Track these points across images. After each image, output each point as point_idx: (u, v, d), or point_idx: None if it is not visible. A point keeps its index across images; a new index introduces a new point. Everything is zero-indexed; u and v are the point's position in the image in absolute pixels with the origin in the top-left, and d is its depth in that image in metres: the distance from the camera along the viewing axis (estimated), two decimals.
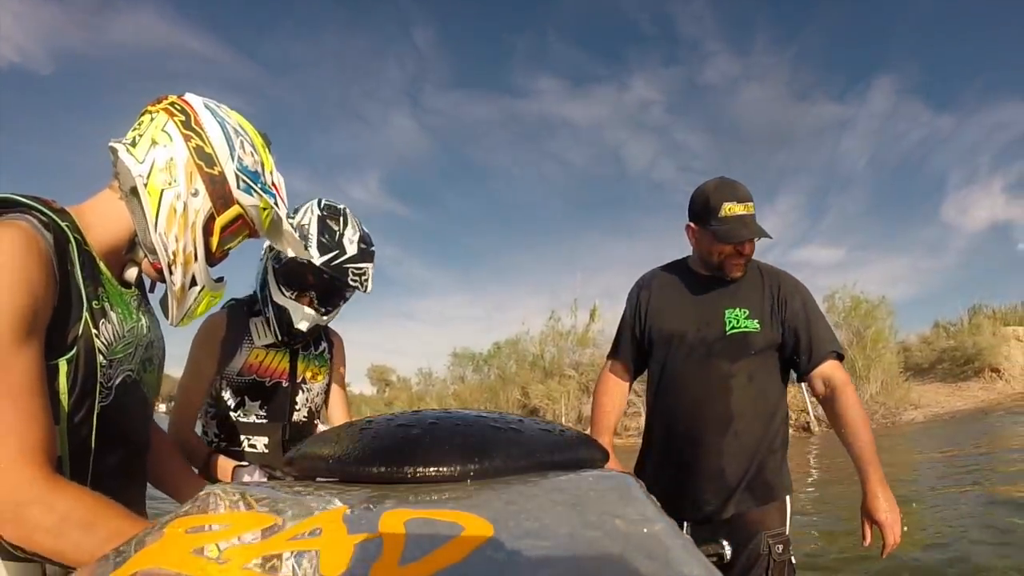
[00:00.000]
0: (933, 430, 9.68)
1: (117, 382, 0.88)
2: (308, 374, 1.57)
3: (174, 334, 1.07)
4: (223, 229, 0.93)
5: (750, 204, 1.56)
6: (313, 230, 1.39)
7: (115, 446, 0.88)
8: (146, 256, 0.92)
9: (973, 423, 9.65)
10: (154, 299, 1.02)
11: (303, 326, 1.43)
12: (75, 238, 0.82)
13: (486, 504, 0.41)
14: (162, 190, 0.87)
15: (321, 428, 1.60)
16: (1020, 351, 13.43)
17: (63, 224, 0.81)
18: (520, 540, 0.34)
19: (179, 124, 0.89)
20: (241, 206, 0.93)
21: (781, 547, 1.47)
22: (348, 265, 1.39)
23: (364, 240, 1.44)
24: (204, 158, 0.89)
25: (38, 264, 0.74)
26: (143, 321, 0.96)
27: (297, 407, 1.55)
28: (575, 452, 0.57)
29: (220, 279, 0.99)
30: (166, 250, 0.89)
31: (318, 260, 1.36)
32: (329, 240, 1.39)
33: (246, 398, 1.49)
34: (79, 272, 0.81)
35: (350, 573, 0.31)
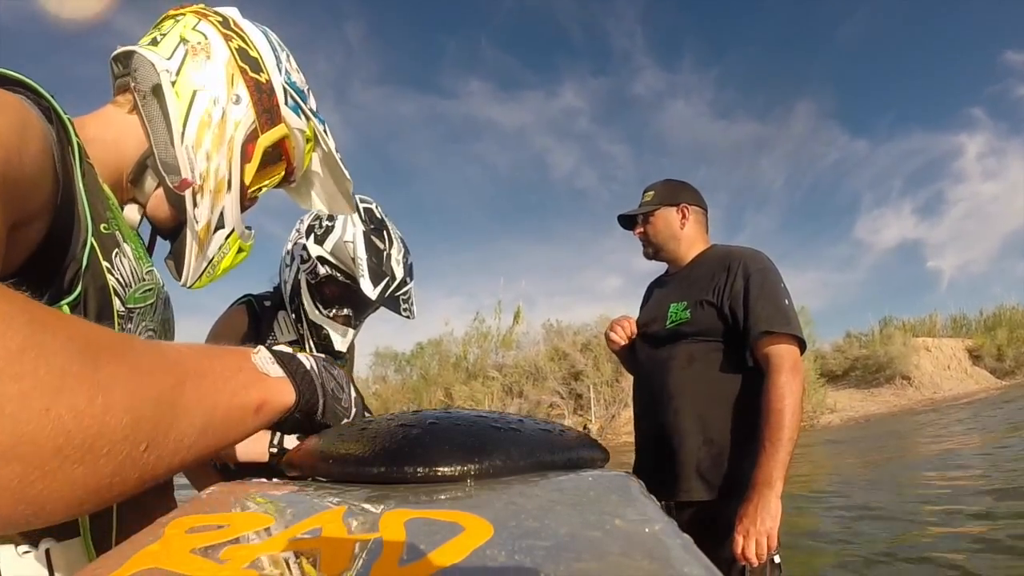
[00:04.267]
0: (851, 431, 10.55)
1: None
2: None
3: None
4: (264, 154, 0.75)
5: (646, 195, 1.72)
6: (361, 252, 1.29)
7: None
8: (159, 183, 0.70)
9: (891, 425, 10.52)
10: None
11: (343, 346, 1.37)
12: (78, 142, 0.60)
13: (486, 504, 0.41)
14: (195, 91, 0.68)
15: None
16: (929, 360, 14.36)
17: (65, 117, 0.58)
18: (520, 540, 0.34)
19: (216, 23, 0.73)
20: (288, 127, 0.76)
21: None
22: (399, 293, 1.32)
23: (406, 253, 1.36)
24: (248, 61, 0.72)
25: (31, 135, 0.49)
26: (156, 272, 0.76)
27: None
28: (575, 452, 0.57)
29: (248, 227, 0.80)
30: (193, 171, 0.69)
31: (374, 294, 1.28)
32: (377, 263, 1.30)
33: None
34: (81, 181, 0.57)
35: (350, 573, 0.31)
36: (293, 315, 1.38)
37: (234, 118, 0.71)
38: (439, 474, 0.49)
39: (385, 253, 1.31)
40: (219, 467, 1.39)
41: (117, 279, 0.61)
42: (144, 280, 0.67)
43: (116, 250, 0.61)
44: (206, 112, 0.69)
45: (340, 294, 1.34)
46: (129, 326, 0.63)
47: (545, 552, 0.33)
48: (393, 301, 1.32)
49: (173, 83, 0.68)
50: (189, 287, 0.74)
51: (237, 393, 0.44)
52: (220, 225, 0.73)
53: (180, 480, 1.43)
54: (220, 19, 0.74)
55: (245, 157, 0.73)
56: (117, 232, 0.63)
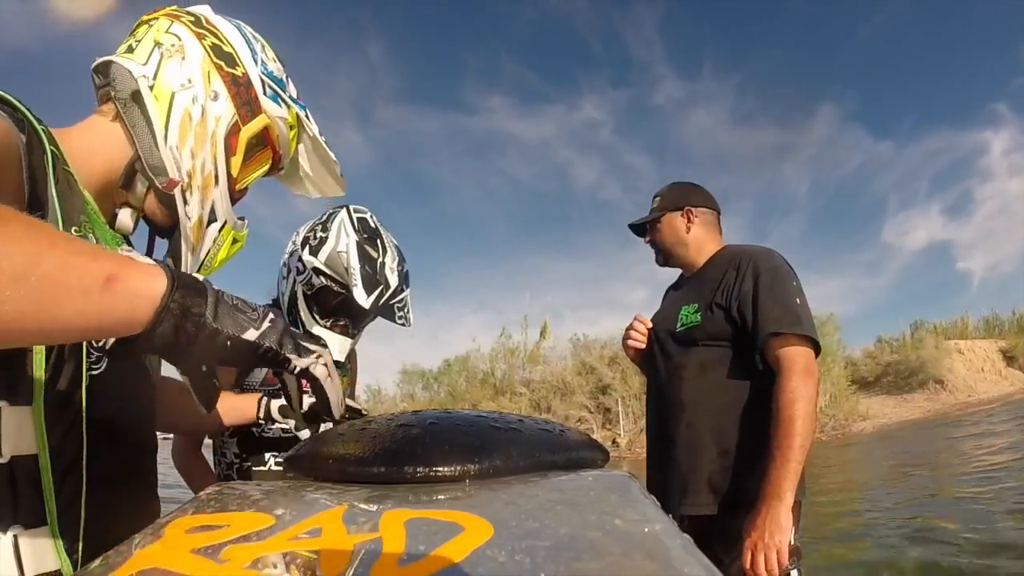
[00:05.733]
0: (885, 439, 10.19)
1: (110, 343, 0.65)
2: None
3: None
4: (247, 146, 0.76)
5: (654, 201, 1.69)
6: (354, 262, 1.29)
7: (116, 436, 0.66)
8: (150, 186, 0.71)
9: (926, 431, 10.12)
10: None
11: (341, 357, 1.36)
12: (52, 151, 0.61)
13: (486, 504, 0.41)
14: (173, 92, 0.70)
15: None
16: (962, 364, 14.02)
17: (40, 127, 0.59)
18: (520, 540, 0.34)
19: (188, 24, 0.74)
20: (269, 116, 0.77)
21: None
22: (393, 301, 1.31)
23: (400, 261, 1.35)
24: (223, 57, 0.74)
25: None
26: None
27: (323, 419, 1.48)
28: (575, 452, 0.57)
29: (241, 218, 0.81)
30: (179, 170, 0.71)
31: (367, 303, 1.27)
32: (371, 272, 1.29)
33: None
34: (54, 188, 0.59)
35: (350, 573, 0.31)
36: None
37: (214, 114, 0.72)
38: (439, 474, 0.49)
39: (379, 262, 1.31)
40: (217, 459, 1.39)
41: None
42: None
43: None
44: (186, 111, 0.70)
45: (336, 304, 1.33)
46: None
47: (545, 552, 0.33)
48: (388, 309, 1.31)
49: (151, 87, 0.70)
50: None
51: (86, 258, 0.44)
52: (212, 219, 0.75)
53: (180, 480, 1.43)
54: (192, 19, 0.75)
55: (229, 150, 0.74)
56: (91, 235, 0.64)
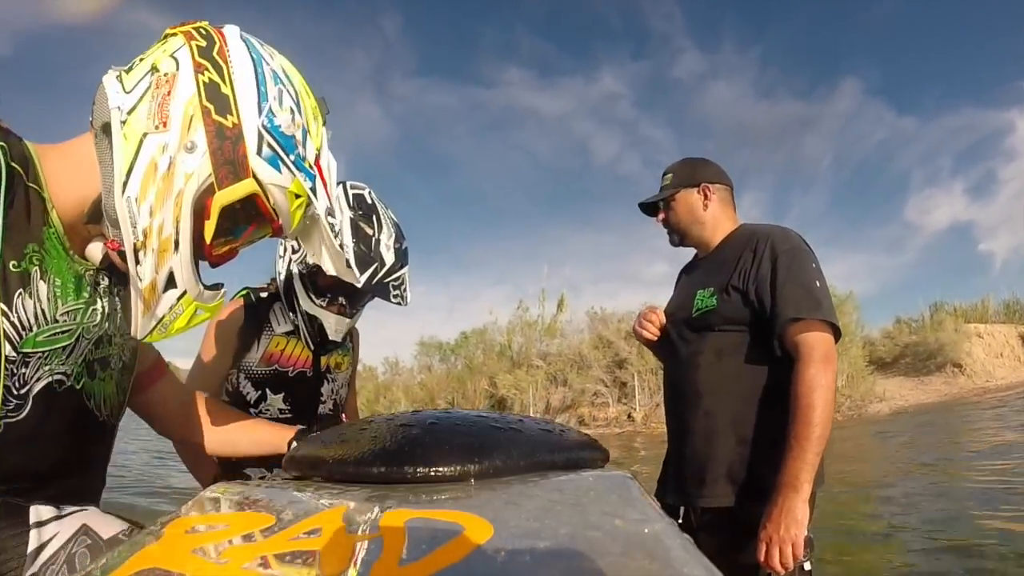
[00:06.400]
0: (901, 421, 9.91)
1: (38, 388, 0.62)
2: (332, 363, 1.48)
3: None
4: (225, 212, 0.63)
5: (664, 177, 1.60)
6: (347, 240, 1.27)
7: (36, 485, 0.63)
8: (109, 228, 0.64)
9: (942, 415, 9.94)
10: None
11: (336, 335, 1.35)
12: (12, 167, 0.58)
13: (486, 504, 0.41)
14: (144, 133, 0.59)
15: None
16: (981, 347, 13.74)
17: None
18: (520, 540, 0.34)
19: (194, 49, 0.62)
20: (259, 182, 0.63)
21: None
22: (388, 279, 1.29)
23: (398, 238, 1.33)
24: (216, 99, 0.61)
25: None
26: (100, 307, 0.70)
27: (323, 398, 1.46)
28: (575, 452, 0.57)
29: (217, 286, 0.68)
30: (134, 226, 0.60)
31: (360, 281, 1.23)
32: (365, 250, 1.27)
33: (268, 391, 1.39)
34: (1, 208, 0.57)
35: (350, 573, 0.31)
36: (290, 310, 1.37)
37: (184, 170, 0.60)
38: (439, 474, 0.49)
39: (374, 239, 1.29)
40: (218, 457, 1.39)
41: (13, 323, 0.59)
42: (54, 322, 0.63)
43: (21, 291, 0.60)
44: (152, 161, 0.60)
45: (332, 283, 1.32)
46: (24, 371, 0.60)
47: (545, 552, 0.33)
48: (382, 288, 1.28)
49: (123, 123, 0.60)
50: (141, 340, 0.67)
51: None
52: (172, 284, 0.64)
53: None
54: (203, 45, 0.63)
55: (201, 214, 0.62)
56: (36, 269, 0.61)
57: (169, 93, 0.60)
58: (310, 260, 1.29)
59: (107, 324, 0.72)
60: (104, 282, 0.72)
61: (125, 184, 0.60)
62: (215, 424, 1.00)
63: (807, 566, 1.28)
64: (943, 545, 3.43)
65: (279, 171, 0.64)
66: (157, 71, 0.62)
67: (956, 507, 4.19)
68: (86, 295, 0.68)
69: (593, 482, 0.47)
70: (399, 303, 1.32)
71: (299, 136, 0.66)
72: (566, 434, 0.60)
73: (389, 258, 1.29)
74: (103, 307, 0.71)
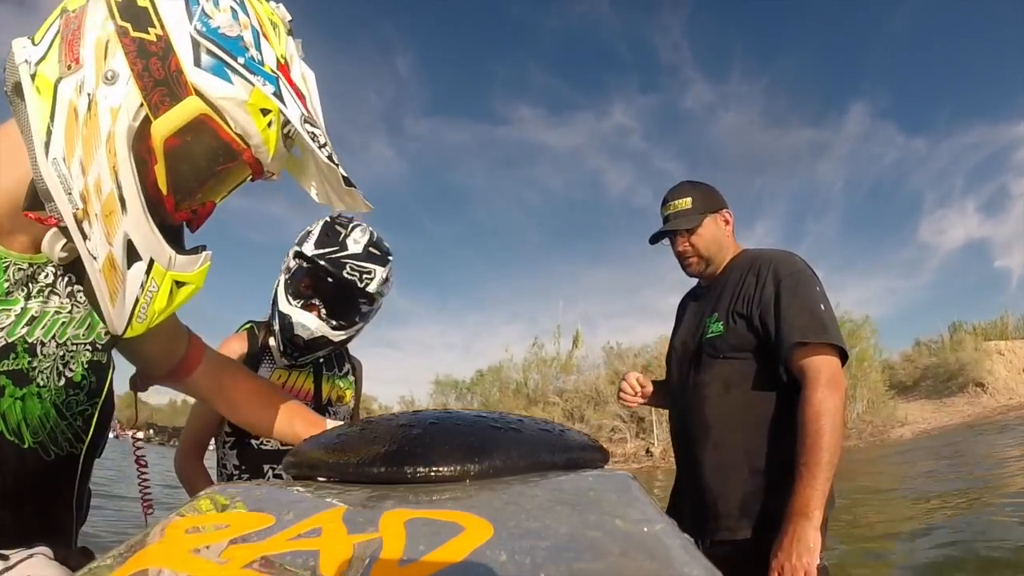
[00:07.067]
0: (924, 446, 9.66)
1: None
2: (334, 395, 1.48)
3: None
4: (179, 151, 0.53)
5: (678, 202, 1.55)
6: (316, 231, 1.32)
7: None
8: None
9: (967, 437, 9.65)
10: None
11: (304, 333, 1.34)
12: None
13: (486, 504, 0.41)
14: (58, 78, 0.50)
15: None
16: (1003, 365, 13.74)
17: None
18: (520, 540, 0.34)
19: None
20: (205, 98, 0.52)
21: None
22: (348, 260, 1.30)
23: (376, 246, 1.34)
24: (133, 15, 0.50)
25: None
26: (18, 309, 0.60)
27: None
28: (575, 452, 0.57)
29: (196, 248, 0.58)
30: (68, 192, 0.51)
31: (310, 251, 1.28)
32: (328, 237, 1.31)
33: None
34: None
35: (350, 573, 0.31)
36: (272, 318, 1.37)
37: (108, 104, 0.50)
38: (439, 474, 0.49)
39: (343, 234, 1.32)
40: (219, 470, 1.39)
41: None
42: None
43: None
44: (70, 106, 0.50)
45: (311, 287, 1.34)
46: None
47: (545, 552, 0.33)
48: (337, 264, 1.29)
49: (33, 76, 0.51)
50: (122, 336, 0.57)
51: None
52: (134, 256, 0.53)
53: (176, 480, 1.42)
54: None
55: (143, 156, 0.52)
56: None
57: (79, 27, 0.51)
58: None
59: (27, 329, 0.60)
60: (45, 280, 0.62)
61: (47, 144, 0.50)
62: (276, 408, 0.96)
63: None
64: None
65: (228, 80, 0.52)
66: (66, 11, 0.53)
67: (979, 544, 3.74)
68: (23, 293, 0.58)
69: (593, 482, 0.47)
70: (354, 282, 1.31)
71: (248, 37, 0.54)
72: (566, 434, 0.60)
73: (354, 248, 1.32)
74: (26, 309, 0.60)
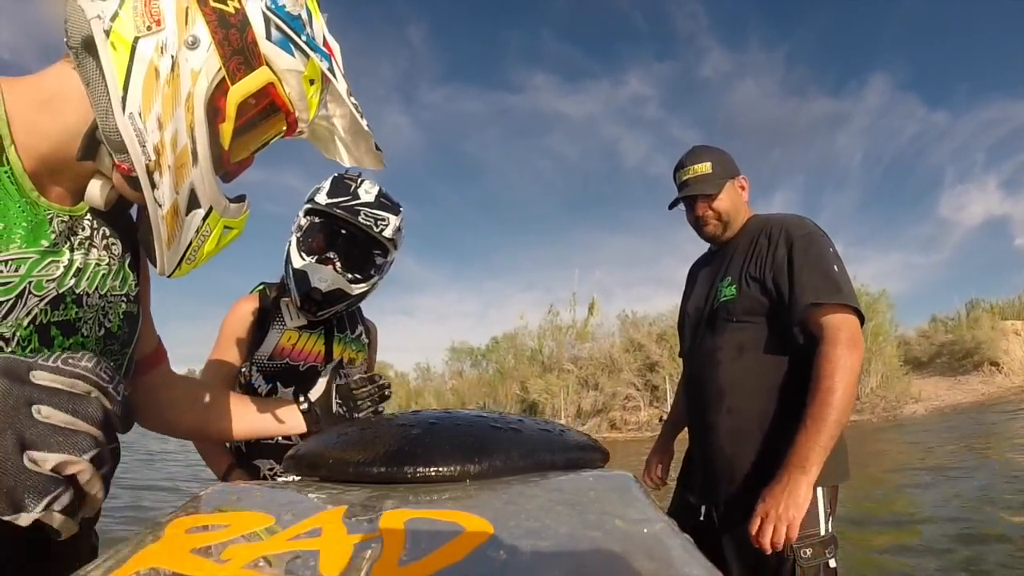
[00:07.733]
0: (938, 423, 9.37)
1: None
2: (345, 357, 1.46)
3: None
4: (242, 109, 0.58)
5: (697, 167, 1.53)
6: (326, 185, 1.33)
7: None
8: (112, 159, 0.57)
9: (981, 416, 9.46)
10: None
11: (322, 285, 1.31)
12: None
13: (486, 504, 0.41)
14: (135, 38, 0.52)
15: None
16: (1019, 345, 13.48)
17: None
18: (520, 540, 0.34)
19: None
20: (273, 70, 0.58)
21: (809, 550, 1.23)
22: (362, 208, 1.30)
23: (386, 197, 1.35)
24: None
25: None
26: (66, 260, 0.62)
27: None
28: (575, 452, 0.57)
29: (240, 198, 0.64)
30: (143, 145, 0.54)
31: (324, 201, 1.29)
32: (343, 189, 1.32)
33: (279, 384, 1.38)
34: None
35: (350, 573, 0.31)
36: (287, 278, 1.36)
37: (190, 67, 0.54)
38: (439, 474, 0.49)
39: (353, 185, 1.33)
40: (232, 447, 1.39)
41: None
42: None
43: None
44: (151, 65, 0.53)
45: (326, 239, 1.34)
46: None
47: (545, 552, 0.33)
48: (351, 210, 1.30)
49: (107, 31, 0.52)
50: (169, 276, 0.62)
51: None
52: (194, 205, 0.58)
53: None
54: None
55: (215, 116, 0.57)
56: None
57: None
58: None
59: (75, 281, 0.63)
60: (84, 232, 0.64)
61: (124, 100, 0.53)
62: (228, 411, 0.97)
63: (832, 563, 1.24)
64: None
65: (292, 55, 0.59)
66: None
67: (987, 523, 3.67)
68: (44, 243, 0.59)
69: (593, 482, 0.47)
70: (369, 228, 1.31)
71: (305, 16, 0.61)
72: (566, 434, 0.60)
73: (366, 197, 1.33)
74: (71, 261, 0.62)
